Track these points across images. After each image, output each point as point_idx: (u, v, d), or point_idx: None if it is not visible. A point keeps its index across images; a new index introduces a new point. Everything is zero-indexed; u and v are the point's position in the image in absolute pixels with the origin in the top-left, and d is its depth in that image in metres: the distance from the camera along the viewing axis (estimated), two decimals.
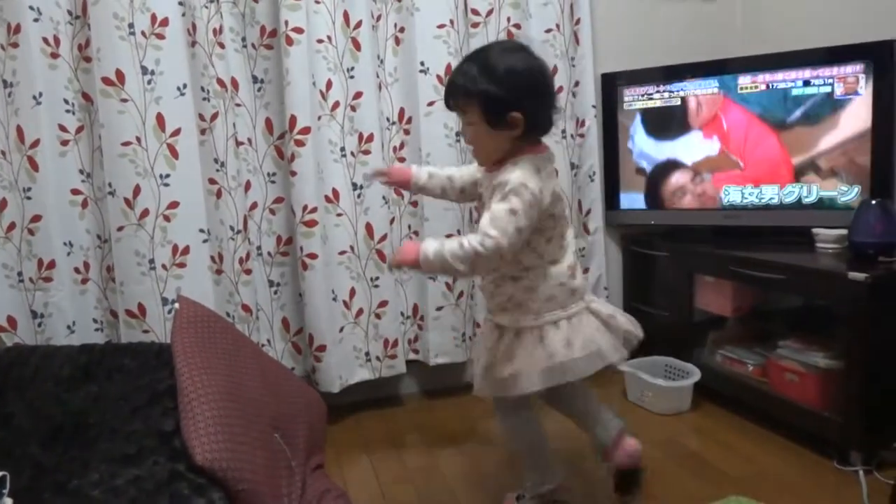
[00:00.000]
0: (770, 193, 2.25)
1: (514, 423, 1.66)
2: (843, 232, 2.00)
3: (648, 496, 1.73)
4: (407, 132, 2.32)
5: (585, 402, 1.74)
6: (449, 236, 1.58)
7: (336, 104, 2.18)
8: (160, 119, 1.97)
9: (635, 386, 2.34)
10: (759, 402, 2.11)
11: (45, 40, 1.96)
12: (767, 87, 2.23)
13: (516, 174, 1.37)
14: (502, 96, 1.36)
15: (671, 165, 2.47)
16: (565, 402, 1.73)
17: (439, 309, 2.41)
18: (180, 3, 1.96)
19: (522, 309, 1.48)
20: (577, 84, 2.49)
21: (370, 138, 2.25)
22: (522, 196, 1.35)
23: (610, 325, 1.53)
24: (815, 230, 2.11)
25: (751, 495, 1.12)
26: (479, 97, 1.37)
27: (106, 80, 1.91)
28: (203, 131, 2.04)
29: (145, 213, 1.97)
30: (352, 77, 2.20)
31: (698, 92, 2.38)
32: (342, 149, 2.21)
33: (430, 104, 2.31)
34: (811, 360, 1.95)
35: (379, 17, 2.25)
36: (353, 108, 2.22)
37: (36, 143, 1.96)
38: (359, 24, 2.18)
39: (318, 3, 2.11)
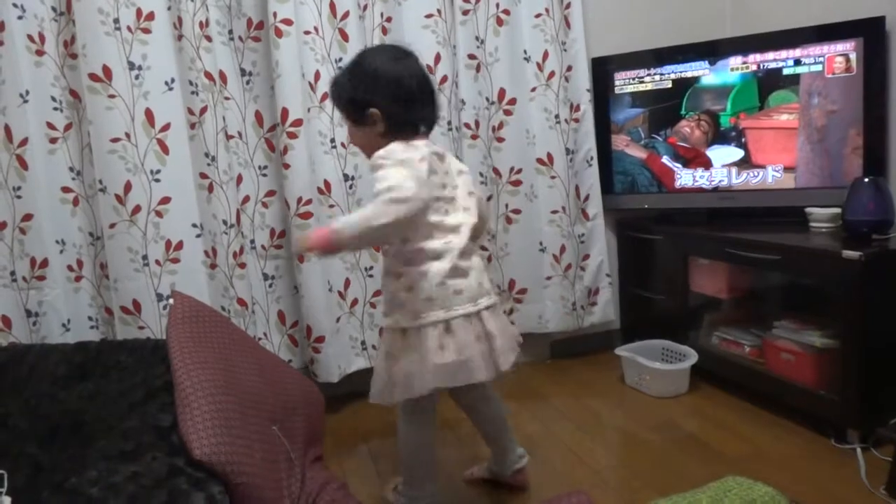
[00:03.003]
0: (764, 174, 2.25)
1: (406, 426, 1.59)
2: (837, 211, 2.00)
3: (647, 480, 1.74)
4: None
5: (493, 420, 1.70)
6: None
7: (324, 96, 2.17)
8: (149, 114, 1.96)
9: (633, 370, 2.35)
10: (756, 383, 2.12)
11: (30, 38, 1.95)
12: (758, 67, 2.23)
13: (380, 152, 1.43)
14: (358, 96, 1.46)
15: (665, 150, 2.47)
16: (473, 413, 1.70)
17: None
18: None
19: (405, 309, 1.44)
20: (569, 69, 2.48)
21: None
22: (391, 158, 1.40)
23: (492, 341, 1.45)
24: (808, 210, 2.11)
25: (749, 475, 1.12)
26: (339, 97, 1.52)
27: (93, 77, 1.90)
28: (192, 125, 2.03)
29: (137, 209, 1.96)
30: (340, 68, 2.18)
31: (689, 74, 2.37)
32: (332, 140, 2.20)
33: None
34: (807, 340, 1.96)
35: (366, 7, 2.23)
36: None
37: (24, 142, 1.95)
38: (346, 15, 2.16)
39: None
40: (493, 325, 1.46)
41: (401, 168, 1.38)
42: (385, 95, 1.45)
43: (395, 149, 1.42)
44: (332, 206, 2.21)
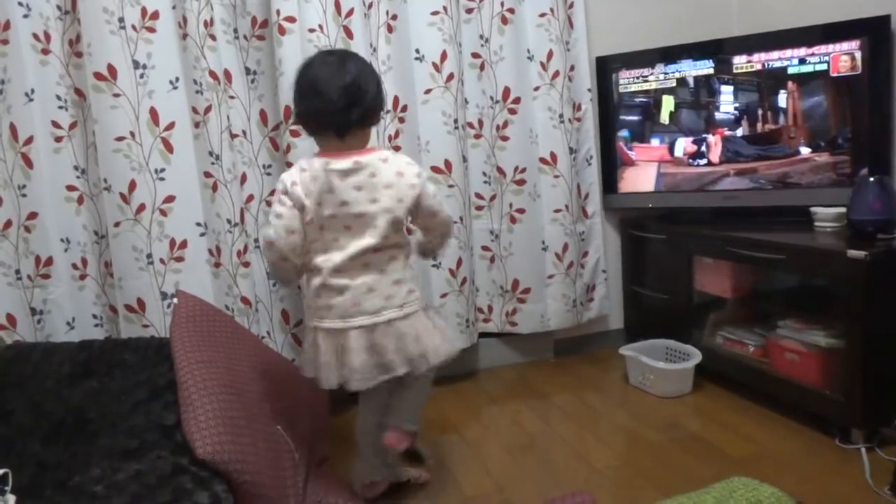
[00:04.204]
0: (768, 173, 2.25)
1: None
2: (842, 210, 1.99)
3: (651, 480, 1.74)
4: (402, 120, 2.31)
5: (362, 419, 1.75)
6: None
7: None
8: (153, 113, 1.96)
9: (636, 369, 2.34)
10: (761, 383, 2.12)
11: (36, 36, 1.95)
12: (763, 66, 2.22)
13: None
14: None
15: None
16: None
17: (443, 296, 2.41)
18: None
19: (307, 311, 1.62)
20: (572, 68, 2.48)
21: None
22: (278, 187, 1.54)
23: (382, 353, 1.53)
24: (813, 209, 2.10)
25: (753, 475, 1.12)
26: None
27: (98, 76, 1.90)
28: (197, 124, 2.03)
29: (142, 207, 1.97)
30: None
31: (693, 73, 2.37)
32: None
33: (427, 92, 2.31)
34: (811, 340, 1.95)
35: (371, 5, 2.23)
36: None
37: (30, 140, 1.96)
38: (350, 13, 2.16)
39: None
40: (354, 344, 1.51)
41: (276, 204, 1.52)
42: (297, 101, 1.55)
43: (285, 175, 1.54)
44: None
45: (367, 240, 1.50)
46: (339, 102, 1.47)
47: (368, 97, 1.50)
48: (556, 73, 2.43)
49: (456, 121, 2.35)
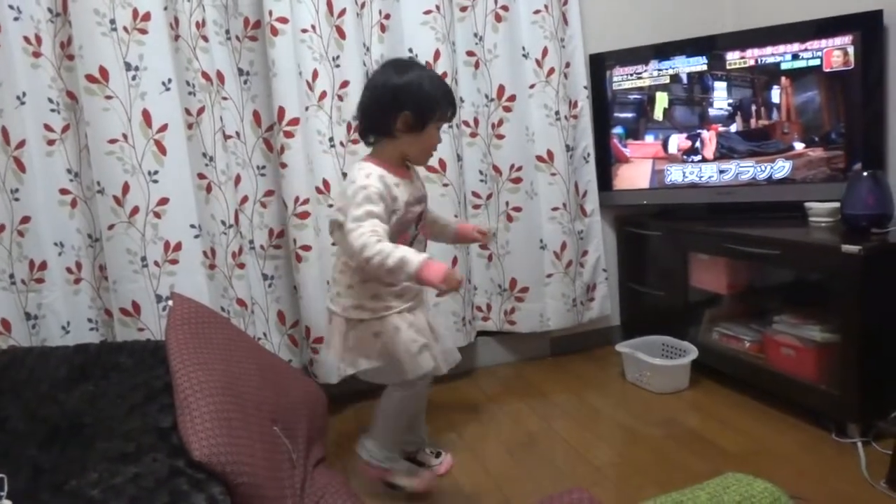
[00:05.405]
0: (762, 169, 2.25)
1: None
2: (836, 205, 1.99)
3: (648, 476, 1.74)
4: None
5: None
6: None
7: (323, 94, 2.16)
8: (146, 115, 1.95)
9: (633, 366, 2.35)
10: (757, 378, 2.12)
11: (27, 39, 1.94)
12: (756, 62, 2.22)
13: None
14: None
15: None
16: None
17: (439, 294, 2.40)
18: None
19: None
20: (567, 65, 2.47)
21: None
22: None
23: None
24: (807, 204, 2.11)
25: (750, 470, 1.12)
26: None
27: (90, 78, 1.90)
28: (190, 126, 2.03)
29: (135, 210, 1.96)
30: (338, 66, 2.18)
31: (687, 69, 2.37)
32: (331, 139, 2.20)
33: None
34: (807, 334, 1.96)
35: (363, 5, 2.22)
36: (341, 98, 2.21)
37: (22, 144, 1.95)
38: (343, 12, 2.15)
39: None
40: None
41: None
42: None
43: None
44: (330, 206, 2.20)
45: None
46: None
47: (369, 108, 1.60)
48: (552, 71, 2.43)
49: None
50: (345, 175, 2.22)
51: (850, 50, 2.03)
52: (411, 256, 1.44)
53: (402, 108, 1.53)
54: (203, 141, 2.06)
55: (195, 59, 2.04)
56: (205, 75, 2.06)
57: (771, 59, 2.19)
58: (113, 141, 1.93)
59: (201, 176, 2.06)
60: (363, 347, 1.61)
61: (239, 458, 1.26)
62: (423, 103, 1.53)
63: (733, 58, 2.27)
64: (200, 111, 2.05)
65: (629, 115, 2.53)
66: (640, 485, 1.70)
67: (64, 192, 2.04)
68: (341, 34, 2.17)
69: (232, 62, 2.16)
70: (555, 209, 2.50)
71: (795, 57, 2.14)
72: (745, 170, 2.29)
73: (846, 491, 1.60)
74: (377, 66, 2.22)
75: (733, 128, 2.31)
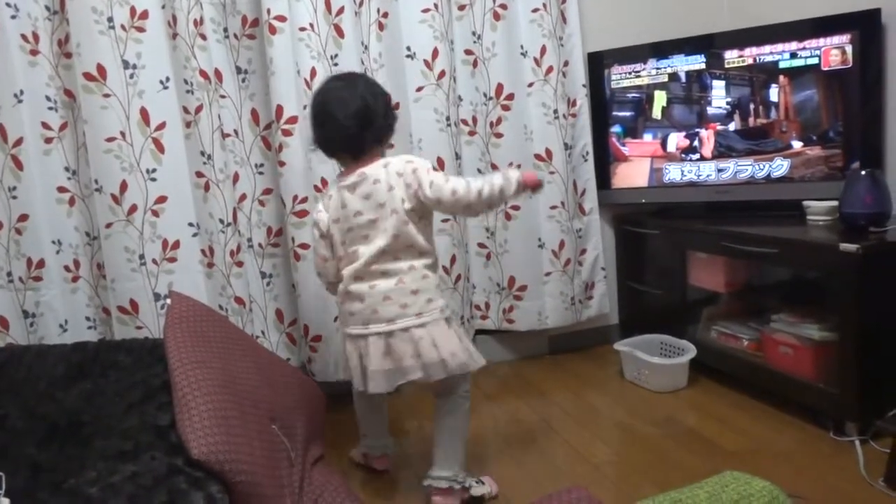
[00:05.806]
0: (760, 167, 2.25)
1: None
2: (834, 204, 2.00)
3: (647, 475, 1.75)
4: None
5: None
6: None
7: None
8: (144, 113, 1.95)
9: (632, 365, 2.35)
10: (755, 377, 2.12)
11: (24, 37, 1.94)
12: (754, 60, 2.22)
13: None
14: None
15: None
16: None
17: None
18: None
19: None
20: (566, 64, 2.47)
21: None
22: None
23: (398, 360, 1.57)
24: (806, 203, 2.11)
25: (748, 469, 1.12)
26: None
27: (87, 76, 1.89)
28: (188, 124, 2.02)
29: (133, 208, 1.96)
30: (336, 64, 2.18)
31: (685, 68, 2.37)
32: None
33: (419, 90, 2.31)
34: (805, 333, 1.96)
35: (361, 3, 2.22)
36: None
37: (19, 142, 1.95)
38: (341, 11, 2.15)
39: None
40: (403, 346, 1.55)
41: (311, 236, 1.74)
42: (312, 127, 1.64)
43: (318, 205, 1.69)
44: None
45: (378, 242, 1.55)
46: (351, 128, 1.54)
47: (378, 118, 1.57)
48: (550, 69, 2.43)
49: (448, 118, 2.35)
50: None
51: (848, 48, 2.04)
52: (502, 173, 1.57)
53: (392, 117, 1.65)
54: (201, 139, 2.06)
55: (193, 58, 2.03)
56: (203, 73, 2.06)
57: (769, 58, 2.19)
58: (111, 139, 1.92)
59: (199, 174, 2.06)
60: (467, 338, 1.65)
61: (237, 457, 1.26)
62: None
63: (732, 56, 2.27)
64: (198, 109, 2.05)
65: (628, 113, 2.53)
66: (638, 483, 1.70)
67: (62, 190, 2.04)
68: (339, 32, 2.17)
69: (230, 60, 2.15)
70: (553, 207, 2.50)
71: (793, 55, 2.14)
72: (744, 168, 2.29)
73: (844, 489, 1.60)
74: (375, 64, 2.24)
75: (732, 126, 2.31)
